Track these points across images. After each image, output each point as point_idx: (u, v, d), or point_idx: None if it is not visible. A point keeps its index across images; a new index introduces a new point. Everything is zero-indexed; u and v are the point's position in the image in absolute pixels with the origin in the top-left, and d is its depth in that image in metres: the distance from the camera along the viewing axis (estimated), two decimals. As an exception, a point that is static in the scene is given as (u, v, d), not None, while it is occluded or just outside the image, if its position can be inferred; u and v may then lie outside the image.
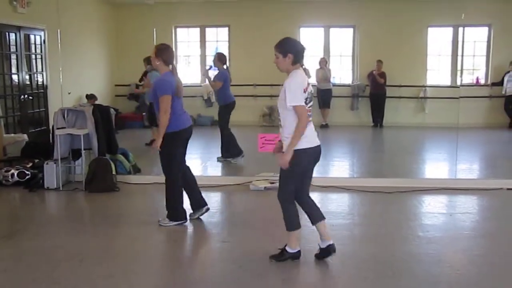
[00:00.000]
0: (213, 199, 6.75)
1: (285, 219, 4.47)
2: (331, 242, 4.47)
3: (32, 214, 6.26)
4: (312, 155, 4.38)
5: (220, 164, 8.94)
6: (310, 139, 4.33)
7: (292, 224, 4.46)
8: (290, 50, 4.31)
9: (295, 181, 4.40)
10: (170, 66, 5.41)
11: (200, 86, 13.97)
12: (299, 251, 4.51)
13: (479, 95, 13.52)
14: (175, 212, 5.53)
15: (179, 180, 5.52)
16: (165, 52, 5.39)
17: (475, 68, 14.52)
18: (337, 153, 9.67)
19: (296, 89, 4.21)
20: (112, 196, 6.84)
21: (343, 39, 14.50)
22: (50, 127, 7.77)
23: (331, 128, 13.19)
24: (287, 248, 4.49)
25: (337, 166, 9.12)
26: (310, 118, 4.37)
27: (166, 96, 5.21)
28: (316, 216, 4.54)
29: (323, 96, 13.48)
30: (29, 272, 4.32)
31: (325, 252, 4.49)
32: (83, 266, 4.44)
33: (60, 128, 7.27)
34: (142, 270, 4.37)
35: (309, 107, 4.33)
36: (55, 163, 7.17)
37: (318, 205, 6.47)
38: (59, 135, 7.18)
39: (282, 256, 4.49)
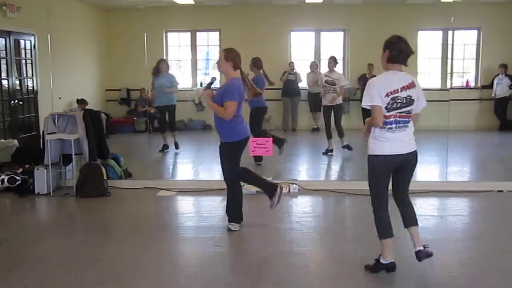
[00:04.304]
0: (205, 203, 6.75)
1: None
2: (418, 249, 4.27)
3: (22, 220, 6.22)
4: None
5: (212, 168, 8.92)
6: None
7: (382, 231, 4.31)
8: (388, 46, 4.19)
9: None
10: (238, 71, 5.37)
11: (192, 90, 13.97)
12: (392, 263, 4.25)
13: (469, 98, 13.60)
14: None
15: None
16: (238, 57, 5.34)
17: (465, 71, 14.62)
18: (328, 156, 9.68)
19: None
20: (103, 201, 6.81)
21: (333, 43, 14.54)
22: (41, 132, 7.74)
23: (322, 131, 13.17)
24: (381, 259, 4.28)
25: (328, 170, 9.13)
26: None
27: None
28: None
29: (314, 99, 13.49)
30: (19, 279, 4.29)
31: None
32: (74, 272, 4.42)
33: (50, 133, 7.24)
34: (133, 276, 4.35)
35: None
36: (45, 168, 7.14)
37: (310, 208, 6.55)
38: (49, 140, 7.15)
39: (376, 268, 4.31)
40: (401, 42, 4.22)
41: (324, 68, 14.11)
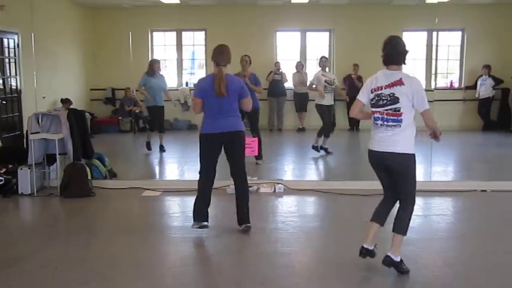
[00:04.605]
0: (190, 203, 6.70)
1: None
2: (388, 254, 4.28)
3: (5, 221, 6.17)
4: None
5: (197, 168, 8.88)
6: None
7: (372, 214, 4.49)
8: (382, 49, 4.26)
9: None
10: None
11: (177, 90, 13.93)
12: (362, 247, 4.36)
13: (453, 99, 13.72)
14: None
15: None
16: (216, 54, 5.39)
17: (449, 71, 14.75)
18: (314, 156, 9.71)
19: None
20: (87, 201, 6.77)
21: (319, 43, 14.58)
22: (24, 132, 7.66)
23: (308, 131, 13.23)
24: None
25: (313, 169, 9.15)
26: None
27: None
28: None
29: (300, 99, 13.56)
30: (1, 280, 4.24)
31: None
32: (58, 273, 4.38)
33: (34, 133, 7.17)
34: (118, 276, 4.33)
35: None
36: (29, 168, 7.08)
37: (295, 208, 6.56)
38: (33, 140, 7.08)
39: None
40: (390, 45, 4.26)
41: (310, 68, 14.21)
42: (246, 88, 5.47)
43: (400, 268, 4.26)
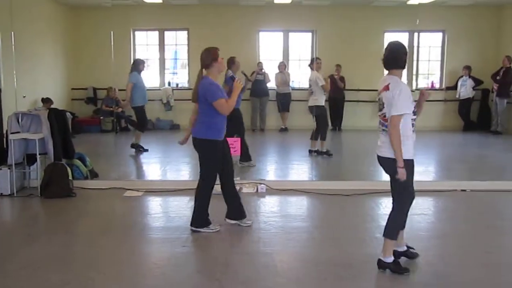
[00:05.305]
0: (172, 203, 6.72)
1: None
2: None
3: (-16, 221, 6.09)
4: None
5: (180, 168, 8.88)
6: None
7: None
8: (383, 53, 4.32)
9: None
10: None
11: (159, 90, 13.88)
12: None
13: (434, 99, 13.83)
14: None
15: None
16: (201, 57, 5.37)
17: (430, 72, 14.88)
18: (296, 156, 9.74)
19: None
20: (68, 202, 6.71)
21: (302, 44, 14.62)
22: (4, 132, 7.59)
23: (290, 131, 13.29)
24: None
25: (296, 169, 9.17)
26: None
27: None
28: None
29: (282, 100, 13.60)
30: (-19, 281, 4.20)
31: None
32: (38, 274, 4.34)
33: (14, 132, 7.11)
34: (99, 277, 4.30)
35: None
36: (9, 168, 7.00)
37: (277, 208, 6.58)
38: (13, 140, 7.01)
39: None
40: (388, 50, 4.39)
41: (293, 69, 14.28)
42: (213, 91, 5.20)
43: (393, 268, 4.34)
